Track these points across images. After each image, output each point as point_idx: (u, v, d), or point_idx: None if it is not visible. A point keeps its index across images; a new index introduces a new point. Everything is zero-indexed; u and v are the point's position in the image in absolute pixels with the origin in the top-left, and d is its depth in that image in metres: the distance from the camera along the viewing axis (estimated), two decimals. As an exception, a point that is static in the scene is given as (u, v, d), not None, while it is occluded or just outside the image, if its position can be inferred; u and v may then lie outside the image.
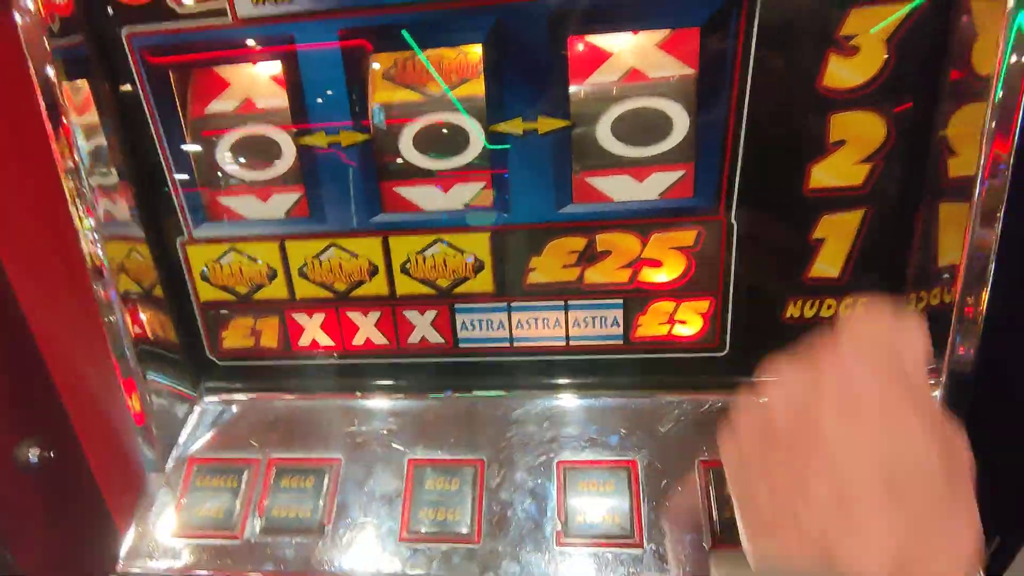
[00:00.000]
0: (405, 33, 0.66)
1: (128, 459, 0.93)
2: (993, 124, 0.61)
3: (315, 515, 0.76)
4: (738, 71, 0.64)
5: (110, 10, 0.68)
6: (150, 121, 0.73)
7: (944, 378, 0.70)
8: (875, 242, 0.70)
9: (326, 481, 0.79)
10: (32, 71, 0.69)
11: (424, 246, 0.76)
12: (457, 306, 0.79)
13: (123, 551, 0.79)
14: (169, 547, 0.78)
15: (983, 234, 0.65)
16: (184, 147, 0.75)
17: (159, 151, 0.75)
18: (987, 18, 0.59)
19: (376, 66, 0.71)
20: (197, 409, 0.88)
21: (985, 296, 0.67)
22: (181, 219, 0.79)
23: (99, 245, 0.76)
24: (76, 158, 0.73)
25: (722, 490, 0.72)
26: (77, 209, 0.74)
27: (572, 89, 0.68)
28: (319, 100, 0.70)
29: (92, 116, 0.74)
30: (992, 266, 0.67)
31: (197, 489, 0.80)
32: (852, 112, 0.65)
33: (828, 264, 0.72)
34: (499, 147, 0.70)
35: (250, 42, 0.69)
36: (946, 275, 0.69)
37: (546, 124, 0.69)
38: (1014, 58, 0.58)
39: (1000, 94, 0.59)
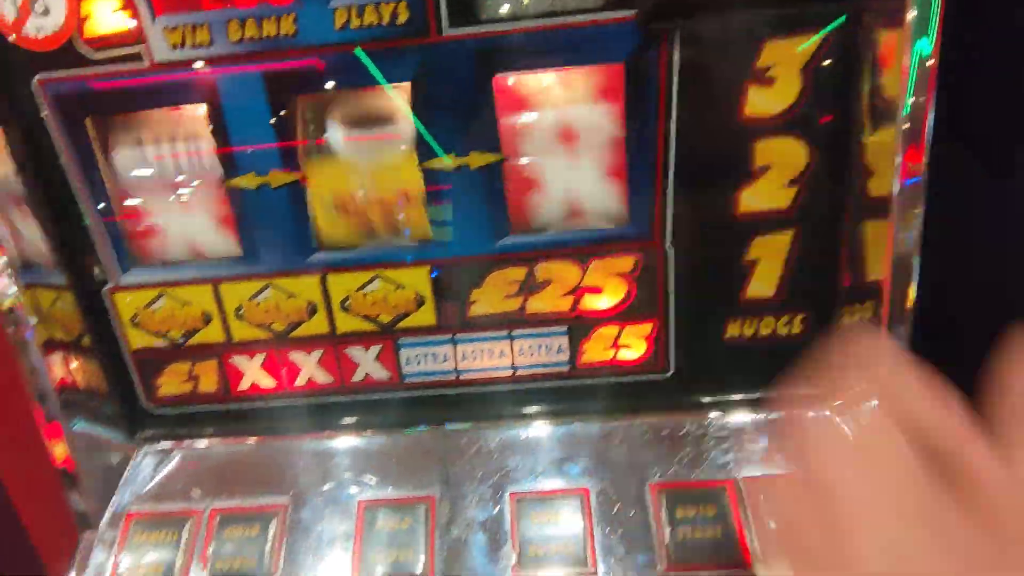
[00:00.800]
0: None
1: (64, 516, 0.89)
2: (901, 144, 0.64)
3: (262, 564, 0.74)
4: (663, 104, 0.65)
5: (19, 56, 0.65)
6: (68, 170, 0.71)
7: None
8: (806, 261, 0.72)
9: (272, 528, 0.76)
10: None
11: (363, 283, 0.75)
12: (401, 340, 0.78)
13: (58, 617, 0.75)
14: (107, 610, 0.74)
15: (904, 252, 0.68)
16: (108, 191, 0.72)
17: (80, 198, 0.72)
18: (891, 45, 0.62)
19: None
20: (133, 460, 0.84)
21: (910, 308, 0.70)
22: (107, 266, 0.76)
23: (14, 283, 0.73)
24: None
25: (673, 512, 0.73)
26: None
27: (502, 123, 0.68)
28: (246, 142, 0.69)
29: (7, 165, 0.71)
30: (915, 280, 0.69)
31: (135, 546, 0.77)
32: (774, 138, 0.66)
33: (763, 284, 0.73)
34: (433, 183, 0.70)
35: (169, 87, 0.67)
36: (877, 290, 0.71)
37: (478, 159, 0.69)
38: (918, 77, 0.61)
39: (907, 111, 0.62)
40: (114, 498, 0.82)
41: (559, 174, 0.71)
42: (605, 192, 0.71)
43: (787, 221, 0.70)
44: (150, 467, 0.84)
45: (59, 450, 0.81)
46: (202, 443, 0.84)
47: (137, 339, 0.80)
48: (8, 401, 0.95)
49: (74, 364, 0.83)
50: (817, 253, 0.72)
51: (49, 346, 0.81)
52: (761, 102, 0.65)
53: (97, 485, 0.82)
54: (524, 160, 0.70)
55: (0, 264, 0.74)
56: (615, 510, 0.74)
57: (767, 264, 0.72)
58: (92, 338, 0.79)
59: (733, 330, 0.76)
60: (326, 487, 0.79)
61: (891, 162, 0.65)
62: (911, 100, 0.62)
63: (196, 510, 0.78)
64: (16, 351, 0.77)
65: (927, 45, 0.61)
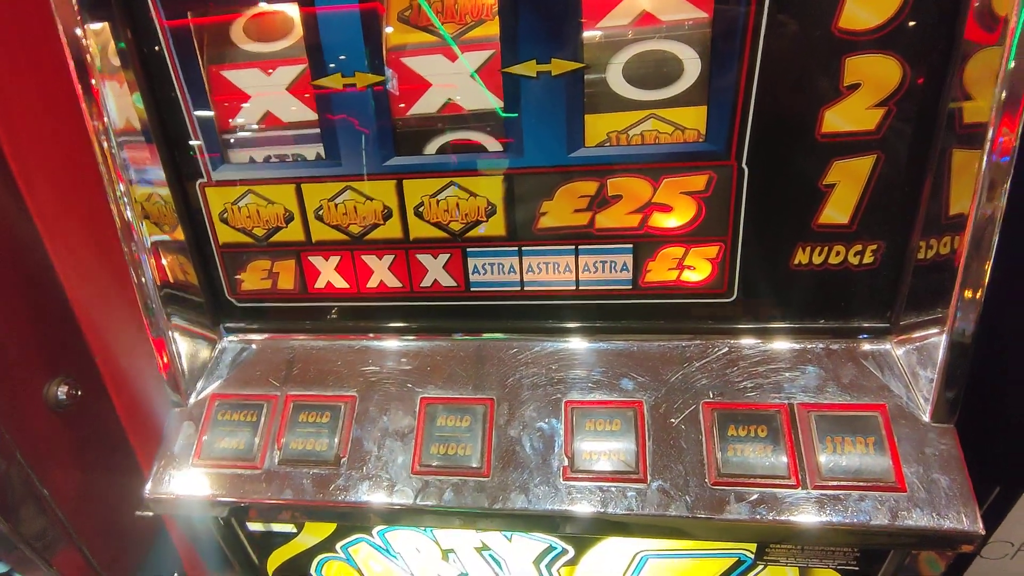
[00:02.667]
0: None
1: (152, 397, 0.97)
2: (1007, 76, 0.60)
3: (331, 448, 0.80)
4: (753, 13, 0.64)
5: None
6: (170, 66, 0.75)
7: (947, 335, 0.71)
8: (886, 189, 0.70)
9: (342, 417, 0.82)
10: (60, 29, 0.71)
11: (437, 189, 0.78)
12: (469, 250, 0.81)
13: (149, 481, 0.83)
14: (193, 476, 0.82)
15: (993, 188, 0.64)
16: (205, 88, 0.76)
17: (179, 95, 0.76)
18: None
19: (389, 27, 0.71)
20: (217, 348, 0.91)
21: (991, 256, 0.67)
22: (200, 162, 0.80)
23: (128, 208, 0.78)
24: (104, 120, 0.74)
25: (725, 430, 0.74)
26: (107, 171, 0.77)
27: (585, 32, 0.68)
28: (334, 42, 0.71)
29: (114, 63, 0.75)
30: (999, 224, 0.66)
31: (218, 423, 0.84)
32: (867, 55, 0.64)
33: (838, 210, 0.72)
34: (513, 89, 0.71)
35: (267, -19, 0.69)
36: (957, 224, 0.69)
37: (560, 66, 0.69)
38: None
39: (1019, 33, 0.59)
40: (200, 382, 0.89)
41: (639, 86, 0.71)
42: (685, 106, 0.71)
43: (871, 144, 0.68)
44: (232, 355, 0.90)
45: (162, 355, 0.87)
46: (279, 336, 0.90)
47: (225, 234, 0.85)
48: (107, 296, 1.03)
49: (167, 259, 0.88)
50: (898, 181, 0.70)
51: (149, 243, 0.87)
52: (858, 14, 0.62)
53: (186, 370, 0.88)
54: (604, 70, 0.70)
55: (120, 190, 0.78)
56: (668, 424, 0.76)
57: (845, 189, 0.71)
58: (184, 232, 0.85)
59: (801, 257, 0.75)
60: (391, 384, 0.84)
61: (990, 88, 0.63)
62: None
63: (273, 395, 0.85)
64: (130, 264, 0.82)
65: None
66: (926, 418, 0.72)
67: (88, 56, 0.72)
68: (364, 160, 0.77)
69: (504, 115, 0.72)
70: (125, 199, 0.78)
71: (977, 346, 0.71)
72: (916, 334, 0.75)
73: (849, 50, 0.64)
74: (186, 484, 0.81)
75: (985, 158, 0.63)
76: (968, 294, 0.69)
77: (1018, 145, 0.63)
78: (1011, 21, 0.59)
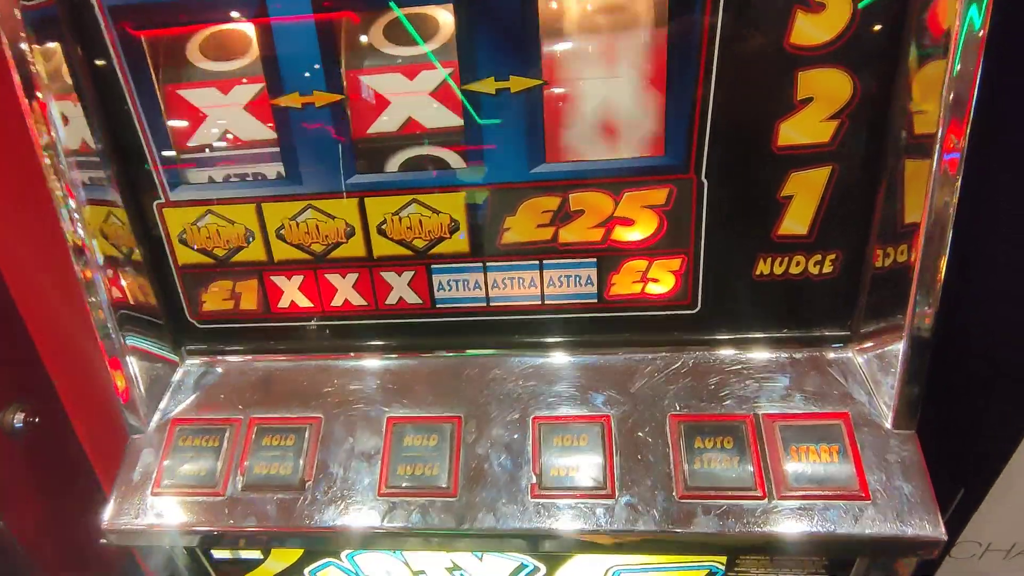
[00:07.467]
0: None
1: (114, 422, 0.94)
2: (952, 81, 0.62)
3: (296, 472, 0.78)
4: (707, 29, 0.64)
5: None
6: (123, 85, 0.73)
7: (906, 340, 0.72)
8: (842, 199, 0.72)
9: (306, 439, 0.80)
10: (5, 43, 0.69)
11: (399, 207, 0.77)
12: (434, 267, 0.80)
13: (107, 511, 0.80)
14: (153, 505, 0.79)
15: (944, 193, 0.66)
16: (160, 109, 0.75)
17: (133, 114, 0.75)
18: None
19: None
20: (179, 372, 0.89)
21: (944, 262, 0.68)
22: (157, 182, 0.79)
23: (80, 225, 0.76)
24: (52, 134, 0.73)
25: (692, 442, 0.74)
26: (57, 187, 0.75)
27: (544, 49, 0.69)
28: (291, 61, 0.70)
29: (65, 81, 0.73)
30: (951, 229, 0.67)
31: (179, 449, 0.82)
32: (819, 69, 0.65)
33: (796, 221, 0.73)
34: (472, 106, 0.71)
35: (220, 2, 0.68)
36: (912, 232, 0.70)
37: (519, 83, 0.69)
38: (973, 12, 0.59)
39: (960, 50, 0.60)
40: (160, 406, 0.86)
41: (597, 102, 0.71)
42: (643, 121, 0.71)
43: (826, 156, 0.69)
44: (194, 378, 0.88)
45: (118, 377, 0.85)
46: (242, 358, 0.89)
47: (184, 255, 0.83)
48: (65, 319, 1.01)
49: (126, 281, 0.86)
50: (854, 191, 0.71)
51: (104, 264, 0.85)
52: (808, 30, 0.64)
53: (145, 394, 0.86)
54: (563, 86, 0.70)
55: (70, 205, 0.76)
56: (635, 438, 0.76)
57: (802, 200, 0.72)
58: (142, 253, 0.83)
59: (763, 267, 0.76)
60: (357, 404, 0.83)
61: (937, 99, 0.64)
62: (965, 33, 0.60)
63: (236, 419, 0.83)
64: (82, 284, 0.80)
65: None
66: (888, 425, 0.73)
67: (34, 70, 0.70)
68: (325, 179, 0.76)
69: (464, 137, 0.72)
70: (76, 215, 0.76)
71: (937, 350, 0.72)
72: (876, 341, 0.76)
73: (801, 65, 0.65)
74: (145, 513, 0.79)
75: (934, 166, 0.65)
76: (924, 302, 0.70)
77: (967, 150, 0.65)
78: (954, 31, 0.60)
